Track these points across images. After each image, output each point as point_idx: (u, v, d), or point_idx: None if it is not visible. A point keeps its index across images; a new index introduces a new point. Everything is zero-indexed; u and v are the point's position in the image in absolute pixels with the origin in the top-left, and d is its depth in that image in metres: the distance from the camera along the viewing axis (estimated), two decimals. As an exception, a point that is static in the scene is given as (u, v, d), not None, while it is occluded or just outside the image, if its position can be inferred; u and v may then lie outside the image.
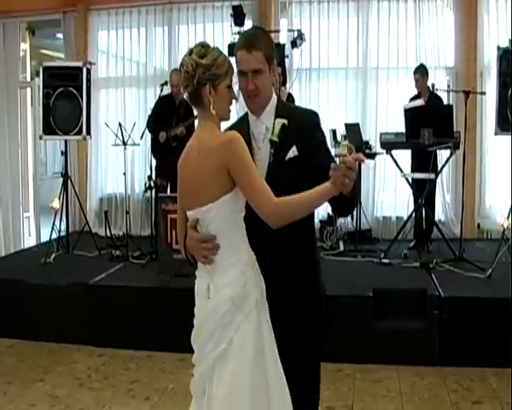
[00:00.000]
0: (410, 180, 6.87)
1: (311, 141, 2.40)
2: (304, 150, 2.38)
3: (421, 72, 6.98)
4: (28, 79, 9.67)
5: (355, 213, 7.12)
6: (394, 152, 6.74)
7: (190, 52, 2.33)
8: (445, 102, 7.19)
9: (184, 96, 2.59)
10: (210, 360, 2.24)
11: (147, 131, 7.02)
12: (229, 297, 2.23)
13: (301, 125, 2.43)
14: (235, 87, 2.42)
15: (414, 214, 6.76)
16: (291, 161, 2.39)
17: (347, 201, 2.20)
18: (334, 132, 7.27)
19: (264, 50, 2.38)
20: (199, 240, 2.28)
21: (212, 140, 2.27)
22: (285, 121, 2.40)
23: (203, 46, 2.34)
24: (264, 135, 2.45)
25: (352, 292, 5.16)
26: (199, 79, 2.29)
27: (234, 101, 2.39)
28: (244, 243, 2.30)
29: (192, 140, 2.38)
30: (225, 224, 2.27)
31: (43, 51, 11.72)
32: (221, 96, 2.33)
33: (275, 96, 2.49)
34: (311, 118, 2.48)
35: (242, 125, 2.48)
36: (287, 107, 2.55)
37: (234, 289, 2.24)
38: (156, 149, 6.96)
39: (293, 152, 2.38)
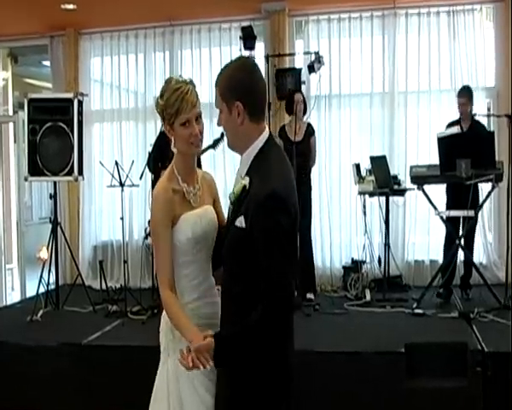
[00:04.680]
0: (445, 218, 6.92)
1: (254, 226, 2.43)
2: (249, 228, 2.45)
3: (469, 95, 7.02)
4: (10, 113, 9.84)
5: (383, 257, 7.27)
6: (427, 187, 6.87)
7: None
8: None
9: None
10: None
11: (147, 170, 7.04)
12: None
13: (251, 199, 2.46)
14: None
15: (445, 257, 6.85)
16: (237, 229, 2.50)
17: None
18: (357, 167, 7.42)
19: (220, 87, 2.57)
20: None
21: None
22: (247, 184, 2.51)
23: (166, 82, 2.82)
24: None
25: (381, 348, 5.24)
26: (162, 118, 2.82)
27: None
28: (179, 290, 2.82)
29: None
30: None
31: (28, 81, 11.92)
32: (177, 135, 2.80)
33: (258, 145, 2.56)
34: (260, 198, 2.41)
35: None
36: (261, 165, 2.53)
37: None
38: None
39: (239, 222, 2.49)
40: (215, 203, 3.01)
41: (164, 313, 2.86)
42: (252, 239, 2.42)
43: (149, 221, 6.85)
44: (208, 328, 2.64)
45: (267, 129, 2.62)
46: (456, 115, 7.16)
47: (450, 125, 7.07)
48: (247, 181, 2.51)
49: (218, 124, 2.62)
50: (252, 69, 2.58)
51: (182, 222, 2.80)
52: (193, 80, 2.87)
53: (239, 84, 2.52)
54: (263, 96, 2.62)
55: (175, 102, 2.75)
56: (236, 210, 2.54)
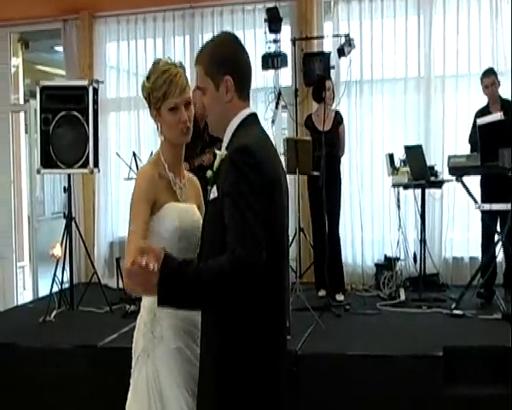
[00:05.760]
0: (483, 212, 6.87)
1: (224, 181, 2.36)
2: (220, 193, 2.39)
3: (495, 76, 7.04)
4: (21, 101, 9.96)
5: (418, 253, 7.24)
6: (466, 179, 6.82)
7: None
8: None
9: None
10: None
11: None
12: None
13: (225, 160, 2.41)
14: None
15: (485, 255, 6.82)
16: (212, 201, 2.45)
17: None
18: (391, 157, 7.41)
19: (203, 63, 2.51)
20: None
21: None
22: (224, 154, 2.46)
23: (154, 64, 2.82)
24: None
25: (417, 351, 5.21)
26: (148, 102, 2.81)
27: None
28: None
29: None
30: None
31: (39, 67, 12.08)
32: (164, 121, 2.80)
33: (237, 120, 2.51)
34: (230, 153, 2.39)
35: None
36: (240, 135, 2.49)
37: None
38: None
39: (213, 193, 2.44)
40: (199, 210, 2.95)
41: (141, 313, 2.85)
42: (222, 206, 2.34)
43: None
44: (192, 328, 2.70)
45: (252, 109, 2.57)
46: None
47: (481, 111, 7.07)
48: (224, 153, 2.46)
49: (200, 108, 2.60)
50: (236, 43, 2.56)
51: (168, 210, 2.78)
52: (183, 64, 2.87)
53: (226, 58, 2.49)
54: (250, 72, 2.58)
55: (162, 85, 2.75)
56: (212, 185, 2.47)
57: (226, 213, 2.29)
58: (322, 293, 7.20)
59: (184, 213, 2.81)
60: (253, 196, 2.28)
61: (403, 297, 6.99)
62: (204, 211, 2.68)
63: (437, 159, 7.85)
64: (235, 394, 2.40)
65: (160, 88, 2.75)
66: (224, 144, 2.52)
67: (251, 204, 2.27)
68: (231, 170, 2.32)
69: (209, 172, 2.50)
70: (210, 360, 2.46)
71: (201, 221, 2.69)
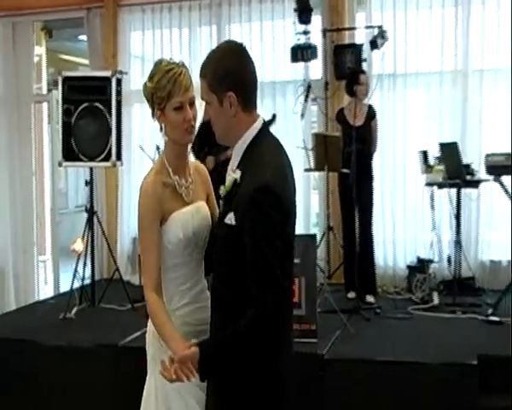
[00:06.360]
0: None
1: (244, 220, 2.48)
2: (239, 225, 2.51)
3: None
4: (44, 91, 10.03)
5: (453, 256, 7.15)
6: (505, 178, 6.73)
7: None
8: None
9: None
10: None
11: (191, 155, 7.16)
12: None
13: (242, 193, 2.51)
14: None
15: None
16: (227, 226, 2.56)
17: None
18: (425, 155, 7.34)
19: (207, 78, 2.58)
20: None
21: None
22: (238, 177, 2.55)
23: (156, 64, 2.85)
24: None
25: (450, 359, 5.16)
26: (151, 103, 2.84)
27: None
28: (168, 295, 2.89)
29: None
30: None
31: (63, 57, 12.17)
32: (169, 121, 2.82)
33: (250, 136, 2.60)
34: (250, 191, 2.46)
35: None
36: (253, 157, 2.57)
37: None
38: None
39: (229, 219, 2.54)
40: (209, 198, 3.03)
41: (150, 321, 2.93)
42: (242, 237, 2.46)
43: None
44: (201, 335, 2.74)
45: (260, 118, 2.64)
46: None
47: None
48: (238, 175, 2.55)
49: (205, 119, 2.69)
50: (240, 54, 2.60)
51: (172, 222, 2.83)
52: (184, 63, 2.89)
53: (229, 73, 2.53)
54: (255, 83, 2.63)
55: (166, 85, 2.78)
56: (227, 206, 2.59)
57: (249, 252, 2.45)
58: (351, 295, 7.15)
59: (190, 217, 2.86)
60: (275, 235, 2.44)
61: (436, 301, 6.92)
62: (213, 204, 2.99)
63: (473, 157, 7.70)
64: (239, 398, 2.56)
65: (165, 88, 2.78)
66: (235, 162, 2.61)
67: (272, 242, 2.42)
68: (253, 209, 2.43)
69: (222, 190, 2.62)
70: None
71: (210, 217, 2.89)
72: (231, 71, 2.53)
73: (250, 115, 2.60)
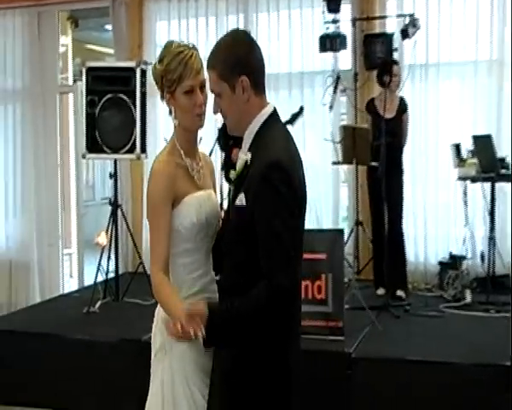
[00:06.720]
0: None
1: (255, 198, 2.50)
2: (251, 205, 2.52)
3: None
4: (70, 82, 10.12)
5: (487, 252, 7.07)
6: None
7: None
8: None
9: None
10: None
11: (217, 146, 7.07)
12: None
13: (253, 172, 2.54)
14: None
15: None
16: (238, 209, 2.58)
17: None
18: (457, 148, 7.28)
19: (216, 68, 2.59)
20: None
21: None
22: (248, 158, 2.59)
23: (166, 46, 2.83)
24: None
25: (483, 359, 5.12)
26: (160, 86, 2.81)
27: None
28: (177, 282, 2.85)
29: None
30: None
31: (89, 46, 12.24)
32: (179, 105, 2.80)
33: (259, 119, 2.63)
34: (261, 168, 2.51)
35: None
36: (264, 139, 2.61)
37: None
38: (230, 169, 7.06)
39: (240, 200, 2.57)
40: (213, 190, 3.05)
41: (159, 307, 2.88)
42: (253, 218, 2.48)
43: (220, 204, 6.92)
44: None
45: (271, 104, 2.68)
46: None
47: None
48: (248, 156, 2.59)
49: (215, 111, 2.65)
50: (248, 41, 2.66)
51: (185, 205, 2.81)
52: (196, 46, 2.88)
53: (240, 59, 2.57)
54: (263, 67, 2.67)
55: (177, 67, 2.76)
56: (237, 189, 2.62)
57: (260, 232, 2.46)
58: (380, 292, 7.11)
59: (203, 202, 2.86)
60: (287, 211, 2.46)
61: (469, 299, 6.88)
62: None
63: (508, 150, 7.51)
64: (245, 393, 2.58)
65: (175, 70, 2.76)
66: (247, 145, 2.64)
67: (285, 221, 2.45)
68: (264, 186, 2.46)
69: (232, 174, 2.66)
70: (224, 354, 2.66)
71: (218, 207, 2.93)
72: (242, 57, 2.57)
73: (261, 99, 2.63)
